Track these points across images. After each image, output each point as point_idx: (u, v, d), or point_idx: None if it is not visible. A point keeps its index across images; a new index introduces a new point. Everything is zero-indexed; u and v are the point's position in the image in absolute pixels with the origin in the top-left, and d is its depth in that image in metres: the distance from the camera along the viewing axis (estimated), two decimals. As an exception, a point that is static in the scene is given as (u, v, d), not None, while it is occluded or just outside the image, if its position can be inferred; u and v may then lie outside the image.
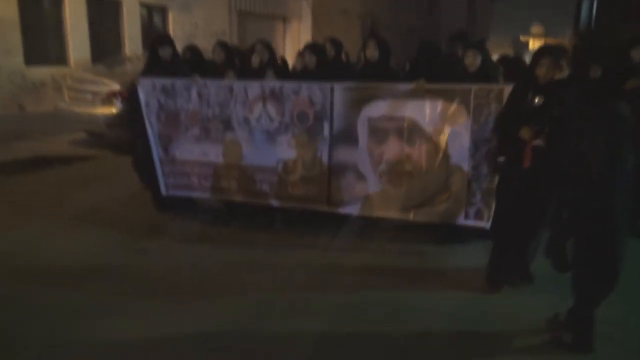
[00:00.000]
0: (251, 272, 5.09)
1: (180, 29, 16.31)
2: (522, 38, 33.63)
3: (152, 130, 6.29)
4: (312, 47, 6.30)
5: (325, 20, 22.05)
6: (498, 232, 4.90)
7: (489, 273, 4.89)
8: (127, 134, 9.07)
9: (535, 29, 33.30)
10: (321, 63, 6.15)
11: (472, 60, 5.43)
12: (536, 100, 4.45)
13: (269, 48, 6.49)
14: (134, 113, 6.44)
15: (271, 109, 5.92)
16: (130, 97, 6.78)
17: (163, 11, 16.26)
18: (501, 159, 4.94)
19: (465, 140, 5.39)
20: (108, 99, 9.44)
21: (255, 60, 6.36)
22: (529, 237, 4.75)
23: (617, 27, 20.67)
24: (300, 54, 6.88)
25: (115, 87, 9.46)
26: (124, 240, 5.73)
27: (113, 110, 9.46)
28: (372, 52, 5.97)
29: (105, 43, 14.41)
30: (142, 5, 15.42)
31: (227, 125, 6.09)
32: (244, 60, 6.70)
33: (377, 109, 5.64)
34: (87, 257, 5.31)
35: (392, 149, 5.65)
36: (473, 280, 4.95)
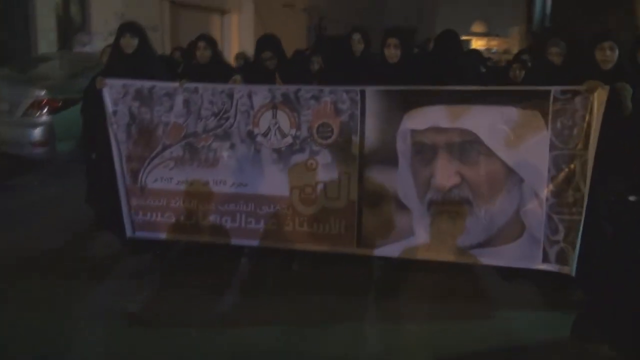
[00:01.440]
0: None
1: (102, 21, 14.65)
2: (464, 37, 33.86)
3: (118, 149, 5.07)
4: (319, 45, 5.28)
5: (269, 14, 21.20)
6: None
7: None
8: (60, 155, 7.98)
9: (477, 27, 33.80)
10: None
11: (610, 55, 4.51)
12: None
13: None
14: (91, 126, 5.42)
15: (283, 120, 4.86)
16: (86, 104, 5.55)
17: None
18: (633, 198, 4.10)
19: (542, 158, 4.48)
20: (32, 109, 8.01)
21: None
22: None
23: (574, 24, 21.11)
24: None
25: (41, 94, 8.05)
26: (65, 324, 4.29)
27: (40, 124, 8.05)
28: (393, 52, 5.09)
29: (11, 40, 12.70)
30: (57, -9, 13.77)
31: (225, 142, 4.96)
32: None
33: (423, 118, 4.68)
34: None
35: (443, 170, 4.68)
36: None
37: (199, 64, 5.49)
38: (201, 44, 5.49)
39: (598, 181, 4.43)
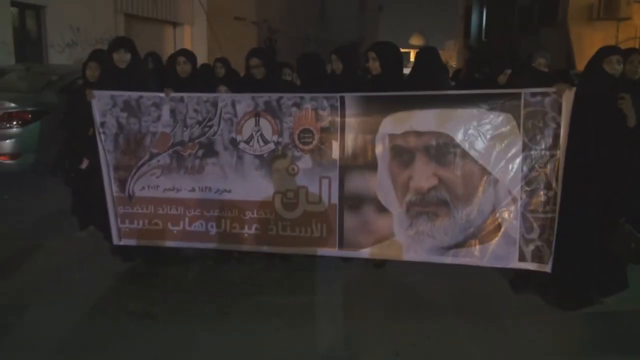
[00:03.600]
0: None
1: (58, 34, 15.36)
2: (402, 49, 35.76)
3: (105, 159, 5.49)
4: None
5: (220, 26, 21.88)
6: None
7: None
8: (33, 166, 8.35)
9: (415, 39, 35.50)
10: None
11: (618, 68, 4.88)
12: None
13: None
14: (76, 137, 5.83)
15: (266, 127, 5.30)
16: (69, 117, 6.00)
17: (38, 12, 15.10)
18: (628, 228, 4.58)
19: (515, 159, 4.92)
20: (2, 121, 8.32)
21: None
22: None
23: (509, 39, 22.41)
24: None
25: (11, 105, 8.39)
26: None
27: (10, 136, 8.37)
28: (372, 65, 5.54)
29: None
30: (13, 4, 14.16)
31: (209, 150, 5.39)
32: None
33: (400, 123, 5.11)
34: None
35: (421, 172, 5.11)
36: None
37: (180, 77, 5.91)
38: (181, 58, 5.94)
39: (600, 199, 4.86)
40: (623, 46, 6.29)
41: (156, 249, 5.87)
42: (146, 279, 5.66)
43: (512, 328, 4.75)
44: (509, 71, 6.30)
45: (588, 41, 12.32)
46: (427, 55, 5.90)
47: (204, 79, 6.41)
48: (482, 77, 7.58)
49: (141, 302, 5.13)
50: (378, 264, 5.81)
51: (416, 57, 5.84)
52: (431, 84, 5.23)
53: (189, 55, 6.02)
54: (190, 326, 4.70)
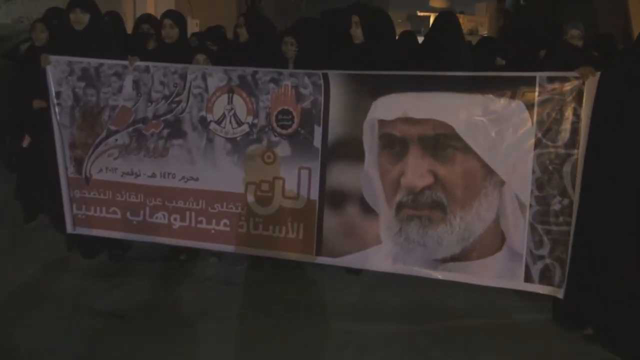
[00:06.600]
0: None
1: None
2: (421, 13, 33.67)
3: (60, 135, 5.18)
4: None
5: None
6: None
7: None
8: None
9: (437, 1, 33.35)
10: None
11: None
12: None
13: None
14: (21, 110, 5.55)
15: (239, 106, 4.90)
16: (15, 84, 5.79)
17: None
18: None
19: (525, 157, 4.34)
20: None
21: None
22: None
23: (552, 3, 20.82)
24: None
25: None
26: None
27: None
28: (354, 32, 5.10)
29: None
30: None
31: (175, 130, 5.02)
32: None
33: (392, 107, 4.62)
34: None
35: (414, 167, 4.59)
36: None
37: (165, 43, 5.54)
38: (167, 21, 5.50)
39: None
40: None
41: (124, 242, 5.58)
42: (113, 276, 5.35)
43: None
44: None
45: (651, 6, 11.36)
46: (443, 23, 5.50)
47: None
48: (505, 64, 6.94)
49: (108, 300, 4.89)
50: (355, 271, 5.31)
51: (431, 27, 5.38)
52: (443, 62, 4.81)
53: (176, 18, 5.60)
54: (162, 327, 4.52)
